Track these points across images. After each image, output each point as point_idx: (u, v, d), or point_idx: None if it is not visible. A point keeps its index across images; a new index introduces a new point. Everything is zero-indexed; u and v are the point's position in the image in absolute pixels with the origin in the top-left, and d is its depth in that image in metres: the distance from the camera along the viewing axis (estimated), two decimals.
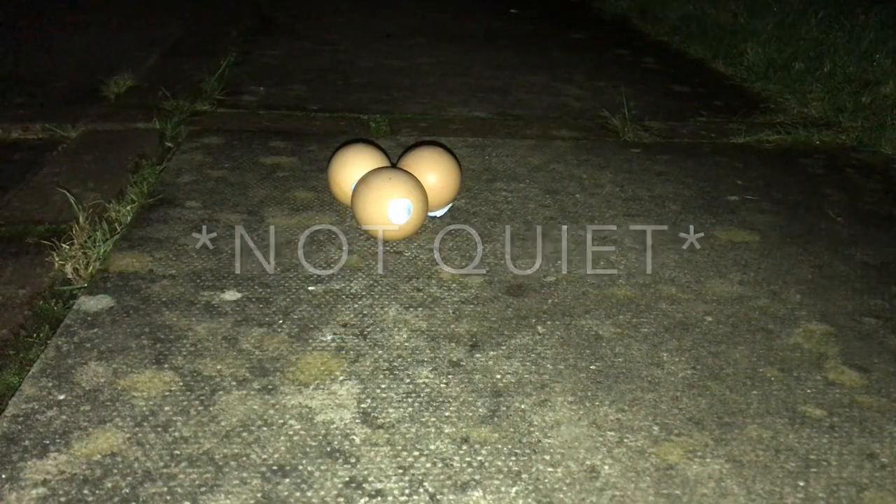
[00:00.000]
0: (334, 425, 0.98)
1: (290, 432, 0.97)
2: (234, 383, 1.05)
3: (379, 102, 2.35)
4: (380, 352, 1.14)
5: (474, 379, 1.09)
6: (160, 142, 1.91)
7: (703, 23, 3.48)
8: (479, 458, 0.94)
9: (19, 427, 0.95)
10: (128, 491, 0.86)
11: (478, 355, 1.14)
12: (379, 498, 0.88)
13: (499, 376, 1.10)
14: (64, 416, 0.97)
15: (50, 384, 1.03)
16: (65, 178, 1.67)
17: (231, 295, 1.26)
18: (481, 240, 1.50)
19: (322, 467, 0.92)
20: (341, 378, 1.08)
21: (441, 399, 1.05)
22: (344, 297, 1.28)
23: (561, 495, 0.90)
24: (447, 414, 1.02)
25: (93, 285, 1.26)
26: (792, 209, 1.73)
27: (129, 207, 1.53)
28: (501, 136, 2.10)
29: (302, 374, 1.08)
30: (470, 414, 1.02)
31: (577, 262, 1.43)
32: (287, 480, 0.89)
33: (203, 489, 0.87)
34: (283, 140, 1.96)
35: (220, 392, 1.03)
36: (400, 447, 0.96)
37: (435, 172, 1.52)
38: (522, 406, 1.04)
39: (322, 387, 1.06)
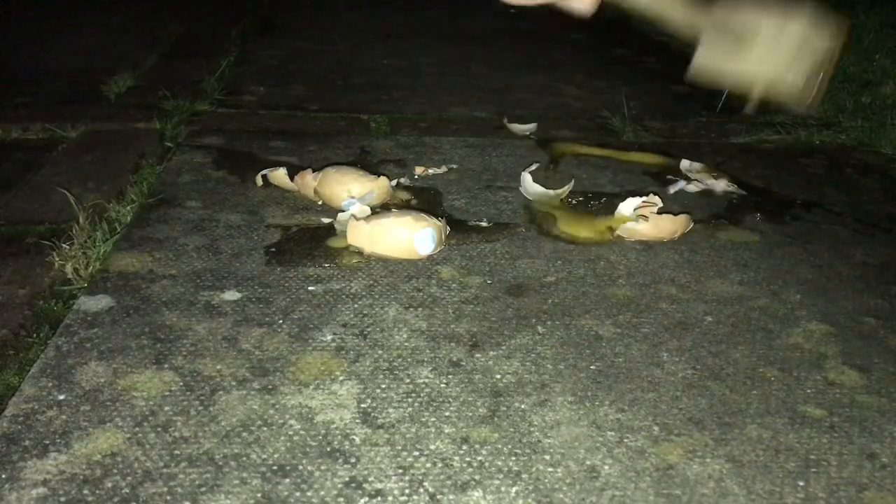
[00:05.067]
0: (334, 425, 0.98)
1: (290, 432, 0.97)
2: (234, 383, 1.05)
3: (379, 102, 2.35)
4: (380, 352, 1.14)
5: (474, 379, 1.09)
6: (160, 142, 1.91)
7: None
8: (479, 458, 0.94)
9: (19, 427, 0.95)
10: (128, 491, 0.86)
11: (478, 355, 1.14)
12: (379, 498, 0.88)
13: (499, 376, 1.10)
14: (64, 416, 0.97)
15: (50, 384, 1.03)
16: (65, 178, 1.67)
17: (231, 295, 1.26)
18: (481, 239, 1.50)
19: (322, 467, 0.92)
20: (341, 378, 1.08)
21: (441, 399, 1.05)
22: (344, 297, 1.28)
23: (561, 495, 0.90)
24: (447, 414, 1.02)
25: (93, 285, 1.26)
26: (792, 209, 1.73)
27: (129, 207, 1.53)
28: (501, 136, 2.10)
29: (302, 374, 1.08)
30: (470, 414, 1.02)
31: (577, 262, 1.43)
32: (287, 480, 0.89)
33: (203, 489, 0.87)
34: (283, 140, 1.96)
35: (220, 392, 1.03)
36: (400, 447, 0.96)
37: None
38: (522, 406, 1.04)
39: (322, 387, 1.06)
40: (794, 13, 1.14)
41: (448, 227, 1.49)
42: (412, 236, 1.39)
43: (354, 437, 0.97)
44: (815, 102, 1.17)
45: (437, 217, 1.46)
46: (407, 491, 0.89)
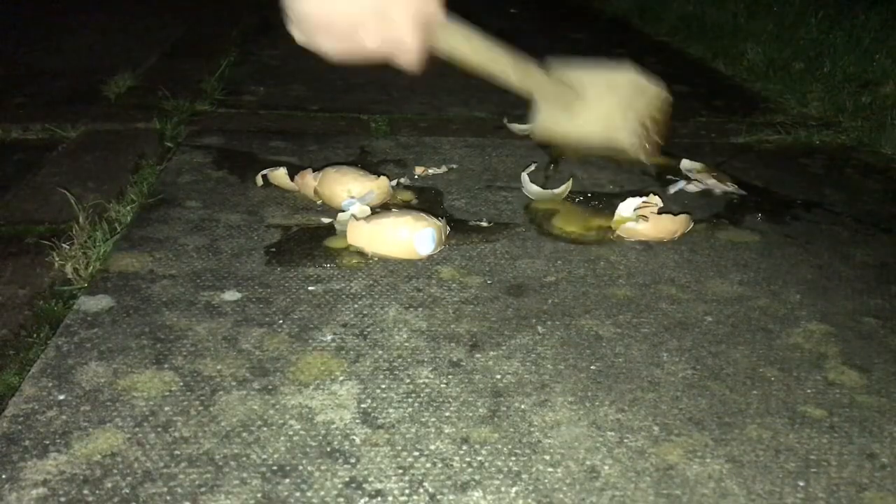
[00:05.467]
0: (334, 425, 0.98)
1: (290, 432, 0.97)
2: (234, 383, 1.05)
3: (379, 102, 2.35)
4: (380, 352, 1.14)
5: (474, 379, 1.09)
6: (160, 142, 1.91)
7: (703, 23, 3.48)
8: (479, 458, 0.94)
9: (19, 427, 0.95)
10: (128, 491, 0.86)
11: (478, 355, 1.14)
12: (379, 498, 0.88)
13: (499, 376, 1.10)
14: (64, 416, 0.97)
15: (50, 384, 1.03)
16: (65, 178, 1.67)
17: (231, 295, 1.26)
18: (481, 239, 1.50)
19: (322, 467, 0.92)
20: (341, 378, 1.08)
21: (441, 399, 1.05)
22: (344, 297, 1.28)
23: (561, 495, 0.90)
24: (447, 414, 1.02)
25: (93, 285, 1.26)
26: (792, 209, 1.73)
27: (129, 207, 1.53)
28: (501, 136, 2.10)
29: (302, 374, 1.08)
30: (470, 414, 1.02)
31: (577, 262, 1.43)
32: (287, 480, 0.89)
33: (203, 489, 0.87)
34: (283, 140, 1.96)
35: (220, 392, 1.03)
36: (400, 447, 0.96)
37: None
38: (522, 406, 1.04)
39: (322, 387, 1.06)
40: (617, 76, 1.27)
41: (448, 227, 1.49)
42: (412, 236, 1.39)
43: (354, 437, 0.97)
44: (652, 154, 1.29)
45: (437, 217, 1.46)
46: (407, 491, 0.89)
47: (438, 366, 1.11)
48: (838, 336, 1.25)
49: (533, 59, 1.06)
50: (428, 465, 0.93)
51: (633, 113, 1.24)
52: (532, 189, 1.67)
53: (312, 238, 1.47)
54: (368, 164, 1.81)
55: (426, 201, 1.65)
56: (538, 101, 1.18)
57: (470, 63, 1.00)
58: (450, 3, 0.99)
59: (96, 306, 1.21)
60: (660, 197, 1.56)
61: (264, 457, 0.93)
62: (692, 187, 1.78)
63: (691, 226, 1.56)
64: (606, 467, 0.94)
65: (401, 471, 0.92)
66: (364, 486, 0.89)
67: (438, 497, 0.88)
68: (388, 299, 1.28)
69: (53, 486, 0.87)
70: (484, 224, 1.56)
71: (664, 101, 1.33)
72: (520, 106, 2.37)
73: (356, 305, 1.25)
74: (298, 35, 0.79)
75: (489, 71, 1.00)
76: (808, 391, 1.11)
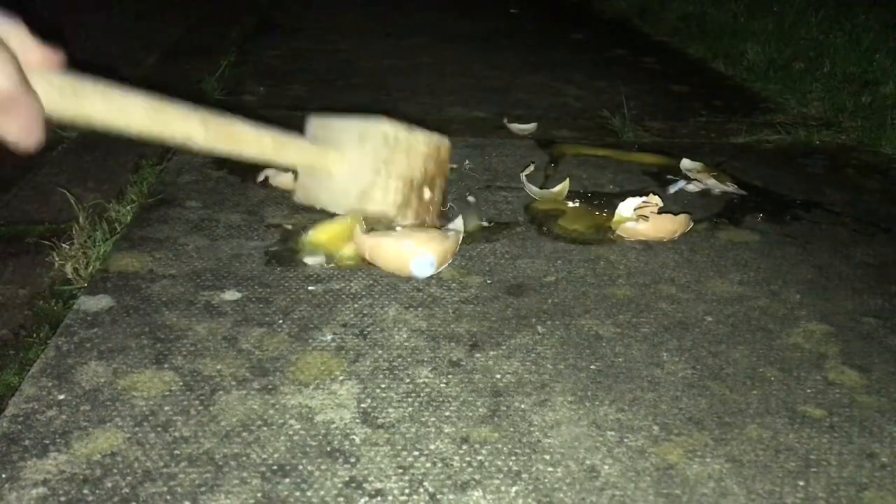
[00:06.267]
0: (334, 425, 0.98)
1: (290, 432, 0.97)
2: (234, 383, 1.05)
3: (379, 102, 2.35)
4: (380, 352, 1.14)
5: (474, 379, 1.09)
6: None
7: (703, 23, 3.48)
8: (479, 457, 0.94)
9: (19, 427, 0.95)
10: (128, 491, 0.86)
11: (478, 355, 1.14)
12: (379, 498, 0.88)
13: (499, 376, 1.10)
14: (64, 416, 0.97)
15: (50, 384, 1.02)
16: (65, 178, 1.67)
17: (231, 295, 1.26)
18: (481, 239, 1.50)
19: (322, 467, 0.92)
20: (341, 378, 1.08)
21: (441, 399, 1.05)
22: (344, 296, 1.28)
23: (561, 495, 0.90)
24: (447, 414, 1.02)
25: (93, 285, 1.26)
26: (792, 209, 1.73)
27: (129, 207, 1.53)
28: (501, 136, 2.10)
29: (302, 374, 1.08)
30: (470, 414, 1.02)
31: (577, 262, 1.43)
32: (287, 480, 0.89)
33: (203, 489, 0.87)
34: None
35: (220, 392, 1.03)
36: (400, 447, 0.96)
37: None
38: (522, 406, 1.04)
39: (322, 387, 1.06)
40: (370, 129, 1.22)
41: (462, 233, 1.45)
42: (411, 260, 1.34)
43: (354, 436, 0.97)
44: (422, 217, 1.21)
45: (451, 229, 1.41)
46: (407, 491, 0.89)
47: (438, 365, 1.11)
48: (838, 336, 1.25)
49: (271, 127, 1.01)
50: (428, 464, 0.93)
51: (389, 170, 1.16)
52: (530, 189, 1.67)
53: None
54: None
55: None
56: (299, 170, 1.11)
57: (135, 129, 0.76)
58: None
59: (96, 306, 1.21)
60: (660, 197, 1.56)
61: (264, 456, 0.93)
62: (692, 187, 1.78)
63: (691, 226, 1.56)
64: (606, 467, 0.94)
65: (401, 470, 0.92)
66: (364, 485, 0.89)
67: (438, 497, 0.88)
68: (388, 299, 1.28)
69: (53, 486, 0.87)
70: (484, 224, 1.56)
71: (441, 151, 1.24)
72: (520, 106, 2.37)
73: (356, 305, 1.25)
74: None
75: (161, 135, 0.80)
76: (808, 391, 1.11)
